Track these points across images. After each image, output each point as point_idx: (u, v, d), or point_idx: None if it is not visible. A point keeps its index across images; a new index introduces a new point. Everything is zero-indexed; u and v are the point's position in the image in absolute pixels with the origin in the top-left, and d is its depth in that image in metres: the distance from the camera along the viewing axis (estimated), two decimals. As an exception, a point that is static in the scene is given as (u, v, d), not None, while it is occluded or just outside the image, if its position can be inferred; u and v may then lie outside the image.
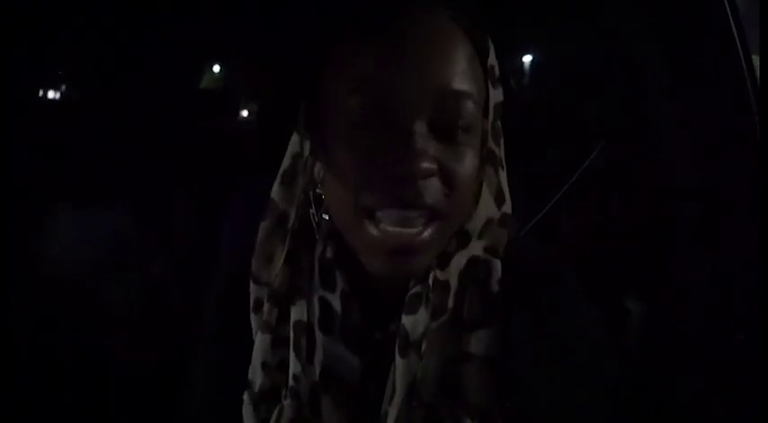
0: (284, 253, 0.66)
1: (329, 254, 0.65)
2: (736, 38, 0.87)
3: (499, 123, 0.63)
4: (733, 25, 0.88)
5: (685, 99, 0.95)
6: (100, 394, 1.35)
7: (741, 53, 0.87)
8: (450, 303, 0.62)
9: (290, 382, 0.63)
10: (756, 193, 0.84)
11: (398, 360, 0.61)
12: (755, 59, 0.90)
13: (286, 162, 0.66)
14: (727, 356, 0.94)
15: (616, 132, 1.22)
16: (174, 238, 1.52)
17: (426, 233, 0.58)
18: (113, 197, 1.50)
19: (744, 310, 0.93)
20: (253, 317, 0.66)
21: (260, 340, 0.65)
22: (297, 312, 0.64)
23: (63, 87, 1.70)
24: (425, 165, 0.55)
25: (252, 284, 0.66)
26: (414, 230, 0.57)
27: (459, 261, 0.63)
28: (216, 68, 2.00)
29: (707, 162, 0.94)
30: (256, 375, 0.65)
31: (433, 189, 0.57)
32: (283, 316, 0.65)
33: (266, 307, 0.65)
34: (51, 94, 1.69)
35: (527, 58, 1.70)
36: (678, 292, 1.05)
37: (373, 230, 0.58)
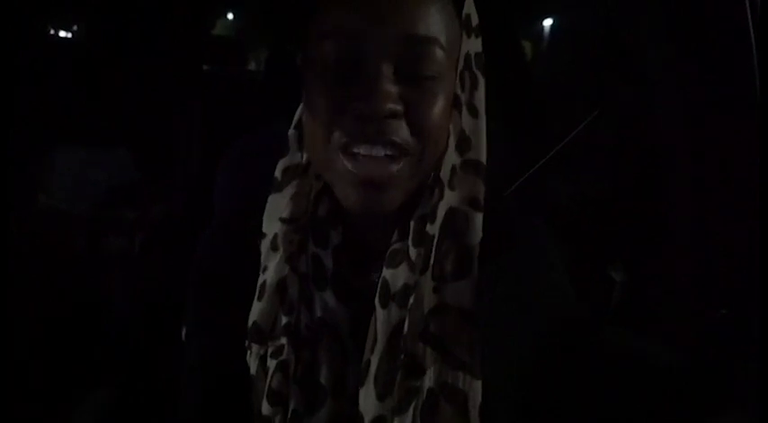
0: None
1: (321, 212, 0.68)
2: (748, 14, 0.86)
3: (475, 73, 0.64)
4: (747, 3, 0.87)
5: (687, 70, 0.95)
6: (98, 332, 1.38)
7: (750, 28, 0.86)
8: (432, 255, 0.64)
9: (288, 331, 0.65)
10: (750, 164, 0.84)
11: (379, 311, 0.64)
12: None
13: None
14: (708, 330, 0.96)
15: (615, 103, 1.21)
16: (175, 181, 1.54)
17: (394, 168, 0.60)
18: (118, 138, 1.51)
19: (729, 286, 0.94)
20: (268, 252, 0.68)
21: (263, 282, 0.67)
22: (280, 267, 0.66)
23: (73, 26, 1.70)
24: (389, 105, 0.58)
25: (280, 224, 0.67)
26: (381, 164, 0.60)
27: (441, 213, 0.64)
28: (230, 16, 1.99)
29: (702, 132, 0.94)
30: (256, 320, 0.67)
31: (397, 127, 0.59)
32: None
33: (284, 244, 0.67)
34: (60, 32, 1.68)
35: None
36: (663, 266, 1.06)
37: (344, 164, 0.60)
